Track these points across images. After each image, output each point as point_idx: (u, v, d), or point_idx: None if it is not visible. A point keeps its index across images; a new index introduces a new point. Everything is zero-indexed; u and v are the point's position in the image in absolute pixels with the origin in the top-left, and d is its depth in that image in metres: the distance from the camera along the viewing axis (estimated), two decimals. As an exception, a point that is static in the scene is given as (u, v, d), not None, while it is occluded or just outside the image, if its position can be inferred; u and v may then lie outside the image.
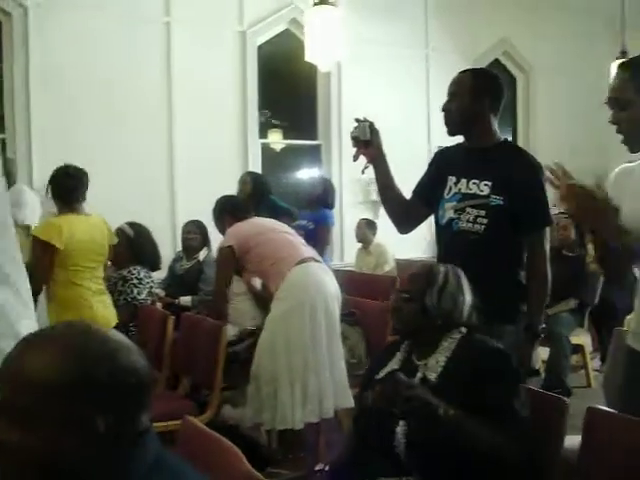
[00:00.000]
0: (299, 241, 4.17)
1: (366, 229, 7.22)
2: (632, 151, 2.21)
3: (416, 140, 8.24)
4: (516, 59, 9.58)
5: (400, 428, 2.16)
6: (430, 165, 3.13)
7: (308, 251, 4.07)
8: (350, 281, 5.92)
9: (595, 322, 5.79)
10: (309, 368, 3.78)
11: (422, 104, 8.52)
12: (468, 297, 2.37)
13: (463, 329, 2.34)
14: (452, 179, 2.93)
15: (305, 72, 7.10)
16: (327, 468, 2.34)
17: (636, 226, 2.14)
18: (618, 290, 5.14)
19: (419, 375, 2.27)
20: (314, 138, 8.27)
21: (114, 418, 1.18)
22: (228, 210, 4.44)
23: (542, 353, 5.58)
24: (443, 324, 2.33)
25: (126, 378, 1.21)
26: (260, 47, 7.78)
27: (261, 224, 4.28)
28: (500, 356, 2.26)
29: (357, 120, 2.96)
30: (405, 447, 2.15)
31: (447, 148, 3.11)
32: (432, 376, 2.24)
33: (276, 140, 8.47)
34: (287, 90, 8.35)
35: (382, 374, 2.38)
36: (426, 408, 2.06)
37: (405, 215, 3.08)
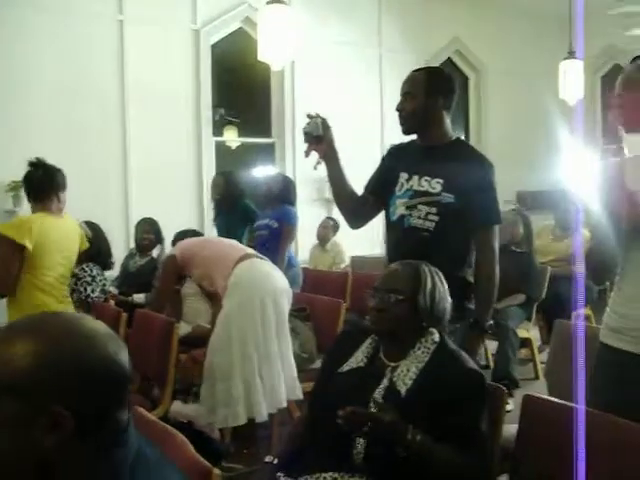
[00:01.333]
0: (241, 245, 4.33)
1: (331, 230, 7.27)
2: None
3: (370, 138, 8.33)
4: (469, 59, 9.72)
5: (361, 438, 2.13)
6: (382, 161, 3.15)
7: (250, 250, 4.18)
8: (303, 278, 5.97)
9: (546, 316, 5.90)
10: (262, 362, 3.81)
11: (376, 103, 8.60)
12: (449, 300, 2.35)
13: (436, 337, 2.29)
14: (404, 176, 2.95)
15: (259, 70, 7.13)
16: (275, 461, 2.31)
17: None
18: (568, 285, 5.26)
19: (386, 381, 2.23)
20: (268, 136, 8.31)
21: (94, 415, 1.15)
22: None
23: (491, 346, 5.73)
24: (424, 327, 2.29)
25: (105, 373, 1.16)
26: (214, 46, 7.81)
27: (206, 237, 4.49)
28: (474, 379, 2.21)
29: (309, 116, 2.96)
30: (364, 456, 2.13)
31: (400, 145, 3.12)
32: (402, 388, 2.19)
33: (231, 138, 8.49)
34: (242, 88, 8.37)
35: (346, 368, 2.33)
36: (394, 434, 2.04)
37: (356, 211, 3.08)
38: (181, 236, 5.06)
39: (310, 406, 2.45)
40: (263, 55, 4.72)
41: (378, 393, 2.21)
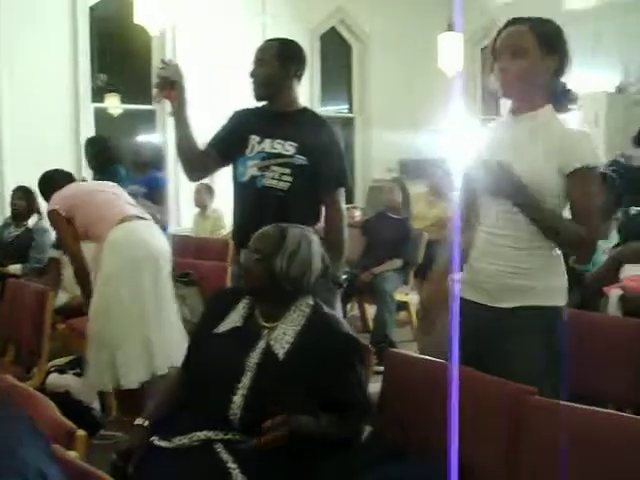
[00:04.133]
0: (125, 200, 4.09)
1: (205, 194, 7.23)
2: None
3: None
4: (352, 28, 9.78)
5: (238, 397, 2.18)
6: (228, 122, 3.24)
7: (132, 209, 4.01)
8: (185, 245, 5.96)
9: (423, 280, 6.07)
10: (142, 327, 3.79)
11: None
12: (318, 265, 2.38)
13: (311, 300, 2.35)
14: (255, 138, 3.08)
15: (140, 35, 6.97)
16: (146, 423, 2.31)
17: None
18: (444, 250, 5.43)
19: (262, 343, 2.27)
20: (150, 103, 8.16)
21: None
22: (49, 186, 4.34)
23: (370, 310, 5.90)
24: (292, 290, 2.32)
25: None
26: (92, 8, 7.58)
27: (83, 186, 4.25)
28: (348, 342, 2.29)
29: (164, 61, 3.04)
30: (240, 416, 2.17)
31: (247, 109, 3.24)
32: (279, 351, 2.23)
33: (113, 105, 8.31)
34: (123, 54, 8.18)
35: (222, 329, 2.35)
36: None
37: (197, 163, 3.17)
38: (47, 181, 4.54)
39: (184, 367, 2.45)
40: (140, 18, 4.65)
41: (255, 355, 2.24)
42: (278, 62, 3.07)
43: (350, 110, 10.05)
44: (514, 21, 2.32)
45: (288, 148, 3.03)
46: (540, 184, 2.23)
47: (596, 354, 2.78)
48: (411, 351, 2.74)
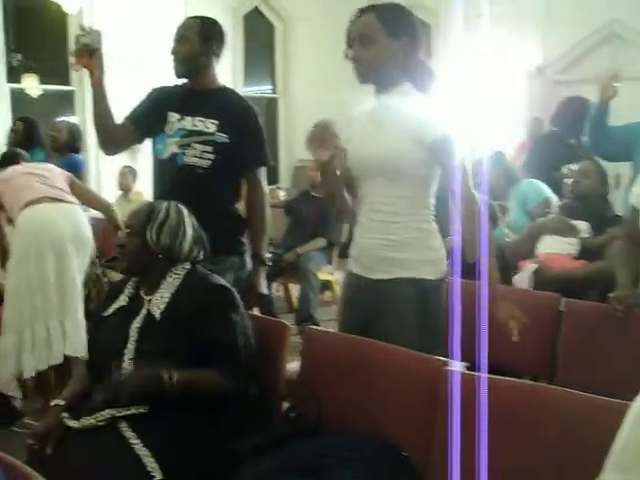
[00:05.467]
0: (43, 181, 3.97)
1: (129, 176, 7.12)
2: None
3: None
4: (275, 8, 9.73)
5: (126, 364, 2.24)
6: (147, 99, 3.20)
7: (45, 190, 3.89)
8: (108, 228, 5.83)
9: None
10: (37, 315, 3.72)
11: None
12: (190, 232, 2.43)
13: (187, 265, 2.41)
14: (175, 116, 3.05)
15: (59, 14, 6.80)
16: (63, 403, 2.31)
17: (357, 166, 2.47)
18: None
19: (144, 311, 2.33)
20: (68, 83, 7.98)
21: None
22: None
23: (294, 290, 5.91)
24: (166, 259, 2.39)
25: None
26: (6, -15, 7.34)
27: (16, 169, 4.12)
28: (221, 291, 2.36)
29: (83, 28, 2.93)
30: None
31: (165, 86, 3.20)
32: (156, 312, 2.30)
33: (28, 85, 8.07)
34: (42, 33, 7.95)
35: (110, 310, 2.42)
36: (152, 385, 2.12)
37: (114, 137, 3.12)
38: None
39: (88, 349, 2.51)
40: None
41: (137, 322, 2.31)
42: (200, 40, 3.04)
43: (274, 91, 10.01)
44: (362, 10, 2.42)
45: (209, 126, 3.01)
46: (401, 159, 2.34)
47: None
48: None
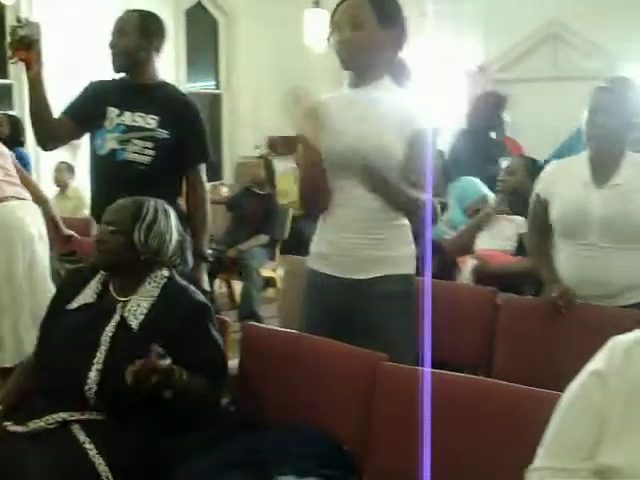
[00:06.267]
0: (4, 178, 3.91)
1: (65, 173, 7.00)
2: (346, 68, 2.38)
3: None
4: (218, 2, 9.63)
5: (93, 373, 2.14)
6: (84, 93, 3.14)
7: (8, 190, 3.77)
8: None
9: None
10: (3, 312, 3.64)
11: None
12: (175, 236, 2.37)
13: (166, 272, 2.33)
14: (114, 111, 3.00)
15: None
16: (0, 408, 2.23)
17: (335, 161, 2.35)
18: (307, 225, 5.48)
19: (117, 316, 2.23)
20: (6, 77, 7.80)
21: None
22: None
23: (237, 287, 5.89)
24: (148, 261, 2.30)
25: None
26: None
27: None
28: (202, 308, 2.29)
29: (20, 20, 2.86)
30: (96, 391, 2.13)
31: (103, 81, 3.16)
32: (133, 322, 2.21)
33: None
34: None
35: (75, 305, 2.31)
36: (169, 377, 2.04)
37: (53, 131, 3.05)
38: None
39: (38, 346, 2.37)
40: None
41: (110, 329, 2.21)
42: (139, 34, 3.00)
43: (217, 86, 9.93)
44: None
45: (150, 121, 2.98)
46: (384, 150, 2.27)
47: (451, 321, 2.87)
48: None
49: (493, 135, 5.10)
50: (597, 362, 1.37)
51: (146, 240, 2.27)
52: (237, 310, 5.56)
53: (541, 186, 2.88)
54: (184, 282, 2.38)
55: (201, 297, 2.34)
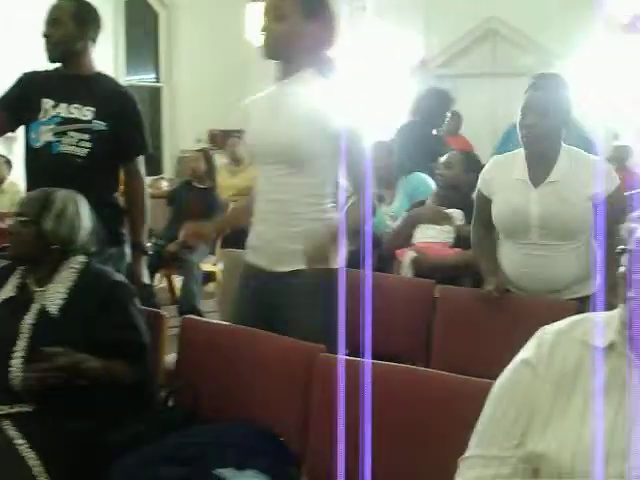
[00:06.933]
0: None
1: (2, 166, 6.87)
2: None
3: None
4: (158, -5, 9.57)
5: (16, 361, 2.14)
6: (17, 85, 3.08)
7: None
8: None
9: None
10: None
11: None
12: (86, 223, 2.37)
13: (82, 257, 2.34)
14: (49, 102, 2.94)
15: None
16: None
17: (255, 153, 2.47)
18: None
19: (36, 305, 2.24)
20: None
21: None
22: None
23: (177, 281, 5.84)
24: (61, 250, 2.31)
25: None
26: None
27: None
28: (121, 288, 2.33)
29: None
30: (21, 380, 2.13)
31: (37, 71, 3.09)
32: (53, 308, 2.22)
33: None
34: None
35: None
36: (79, 369, 2.08)
37: None
38: None
39: None
40: None
41: (29, 318, 2.22)
42: (74, 23, 2.93)
43: (157, 80, 9.82)
44: None
45: (86, 113, 2.92)
46: (297, 146, 2.30)
47: (390, 313, 2.89)
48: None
49: (435, 132, 5.14)
50: (526, 351, 1.39)
51: (56, 229, 2.29)
52: (178, 305, 5.52)
53: (482, 184, 2.90)
54: (101, 267, 2.41)
55: (119, 278, 2.38)
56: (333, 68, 2.43)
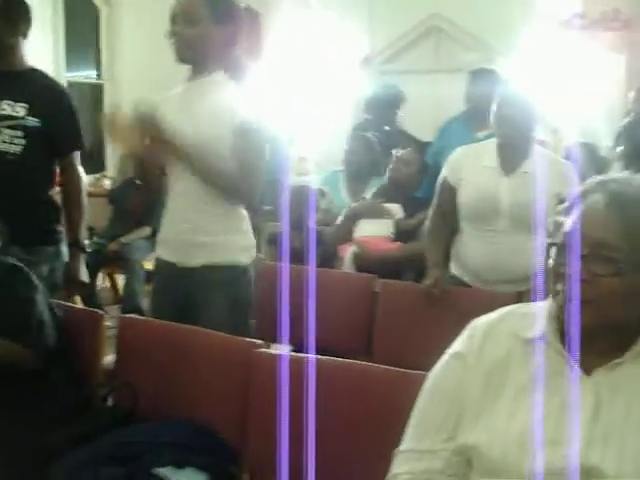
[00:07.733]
0: None
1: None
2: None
3: None
4: (100, -10, 9.42)
5: None
6: None
7: None
8: None
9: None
10: None
11: None
12: None
13: None
14: None
15: None
16: None
17: None
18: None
19: None
20: None
21: None
22: None
23: (120, 280, 5.78)
24: None
25: None
26: None
27: None
28: (9, 271, 2.30)
29: None
30: None
31: None
32: None
33: None
34: None
35: None
36: None
37: None
38: None
39: None
40: None
41: None
42: (3, 19, 2.90)
43: (99, 77, 9.68)
44: None
45: (18, 109, 2.88)
46: (207, 143, 2.34)
47: (331, 309, 2.90)
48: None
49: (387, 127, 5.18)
50: (457, 344, 1.40)
51: None
52: (121, 304, 5.46)
53: (448, 172, 2.93)
54: (13, 260, 2.39)
55: (10, 260, 2.37)
56: (244, 69, 2.49)
